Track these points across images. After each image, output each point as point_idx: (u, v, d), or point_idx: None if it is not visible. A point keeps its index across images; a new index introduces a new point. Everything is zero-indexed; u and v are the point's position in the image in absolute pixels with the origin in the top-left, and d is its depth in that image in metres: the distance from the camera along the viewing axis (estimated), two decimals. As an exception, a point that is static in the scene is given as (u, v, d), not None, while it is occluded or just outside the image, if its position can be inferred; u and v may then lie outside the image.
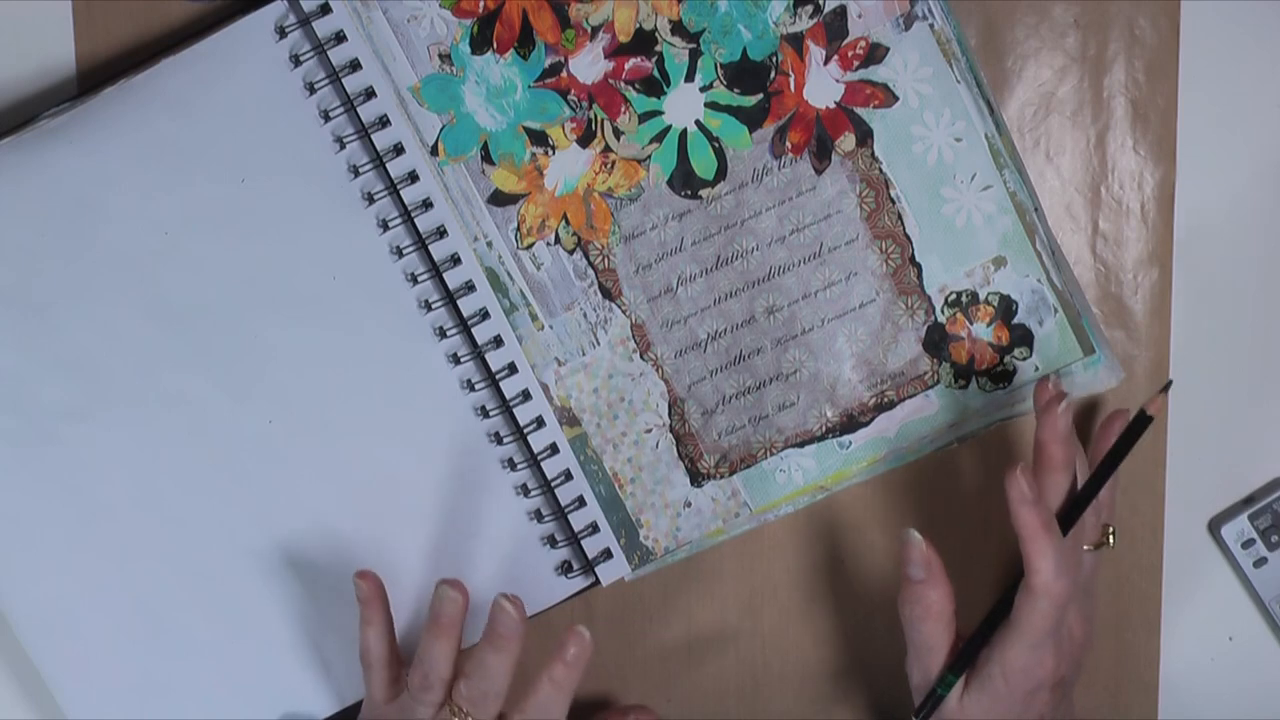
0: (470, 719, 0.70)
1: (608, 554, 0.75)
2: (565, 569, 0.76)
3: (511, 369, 0.74)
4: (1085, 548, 0.69)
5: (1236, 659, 0.78)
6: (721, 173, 0.73)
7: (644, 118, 0.73)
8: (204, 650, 0.75)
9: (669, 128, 0.73)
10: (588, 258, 0.74)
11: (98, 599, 0.75)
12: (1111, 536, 0.70)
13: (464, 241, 0.74)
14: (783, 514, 0.76)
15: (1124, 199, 0.75)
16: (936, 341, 0.74)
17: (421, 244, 0.73)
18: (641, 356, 0.75)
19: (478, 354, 0.74)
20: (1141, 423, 0.67)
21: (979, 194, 0.73)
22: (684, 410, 0.75)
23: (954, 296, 0.74)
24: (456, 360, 0.74)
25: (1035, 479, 0.66)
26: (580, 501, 0.75)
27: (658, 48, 0.73)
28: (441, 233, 0.73)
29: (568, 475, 0.75)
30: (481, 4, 0.72)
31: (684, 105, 0.73)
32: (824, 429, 0.75)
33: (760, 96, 0.73)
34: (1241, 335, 0.76)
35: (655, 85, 0.73)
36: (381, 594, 0.72)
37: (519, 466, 0.75)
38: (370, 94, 0.73)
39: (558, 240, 0.74)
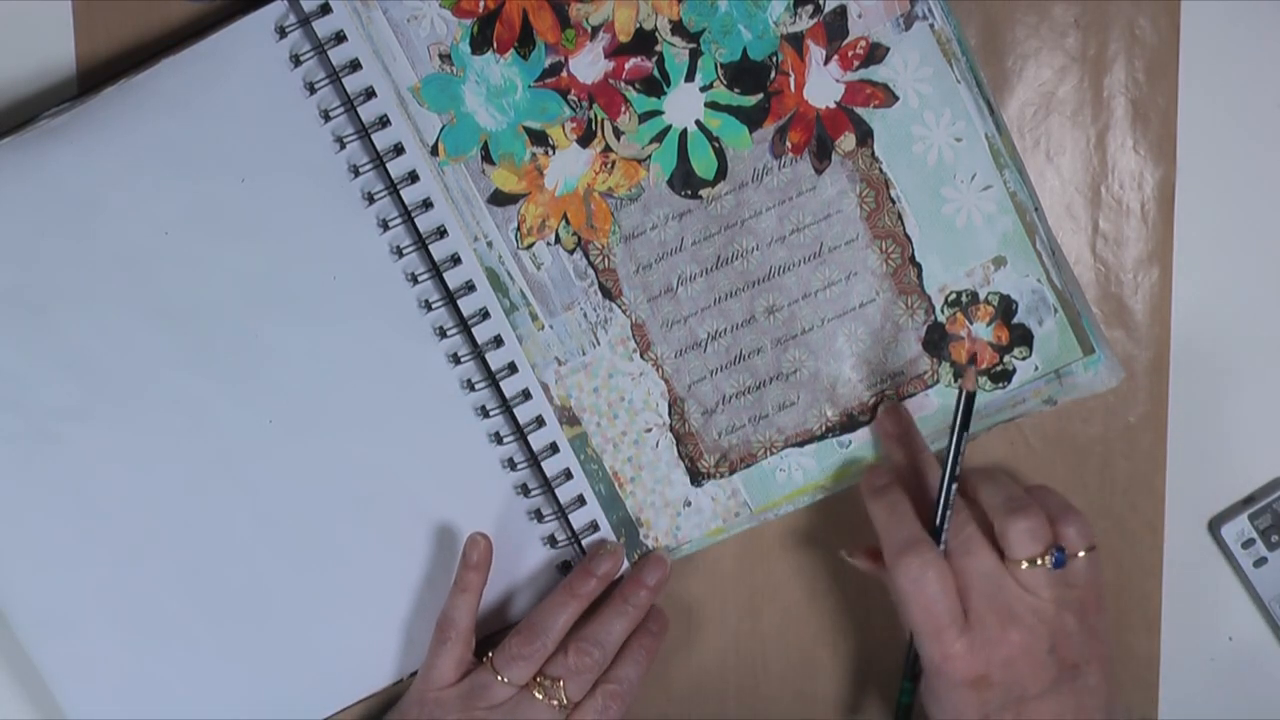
0: (563, 691, 0.71)
1: (608, 554, 0.76)
2: (566, 568, 0.76)
3: (511, 369, 0.74)
4: (1021, 563, 0.67)
5: (1236, 659, 0.78)
6: (721, 173, 0.73)
7: (644, 118, 0.73)
8: (203, 649, 0.75)
9: (669, 127, 0.73)
10: (588, 258, 0.74)
11: (98, 599, 0.75)
12: (1050, 557, 0.67)
13: (464, 241, 0.74)
14: (783, 513, 0.76)
15: (1124, 199, 0.75)
16: (936, 341, 0.74)
17: (421, 244, 0.73)
18: (641, 356, 0.75)
19: (478, 354, 0.74)
20: (969, 402, 0.69)
21: (979, 194, 0.73)
22: (684, 410, 0.75)
23: (954, 296, 0.74)
24: (456, 360, 0.74)
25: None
26: (580, 501, 0.75)
27: (658, 48, 0.73)
28: (441, 233, 0.74)
29: (568, 474, 0.75)
30: (481, 4, 0.72)
31: (684, 105, 0.73)
32: (824, 428, 0.75)
33: (760, 96, 0.73)
34: (1241, 335, 0.76)
35: (655, 85, 0.73)
36: (489, 563, 0.73)
37: (519, 466, 0.75)
38: (370, 94, 0.73)
39: (558, 240, 0.74)
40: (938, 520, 0.68)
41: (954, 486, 0.68)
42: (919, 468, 0.71)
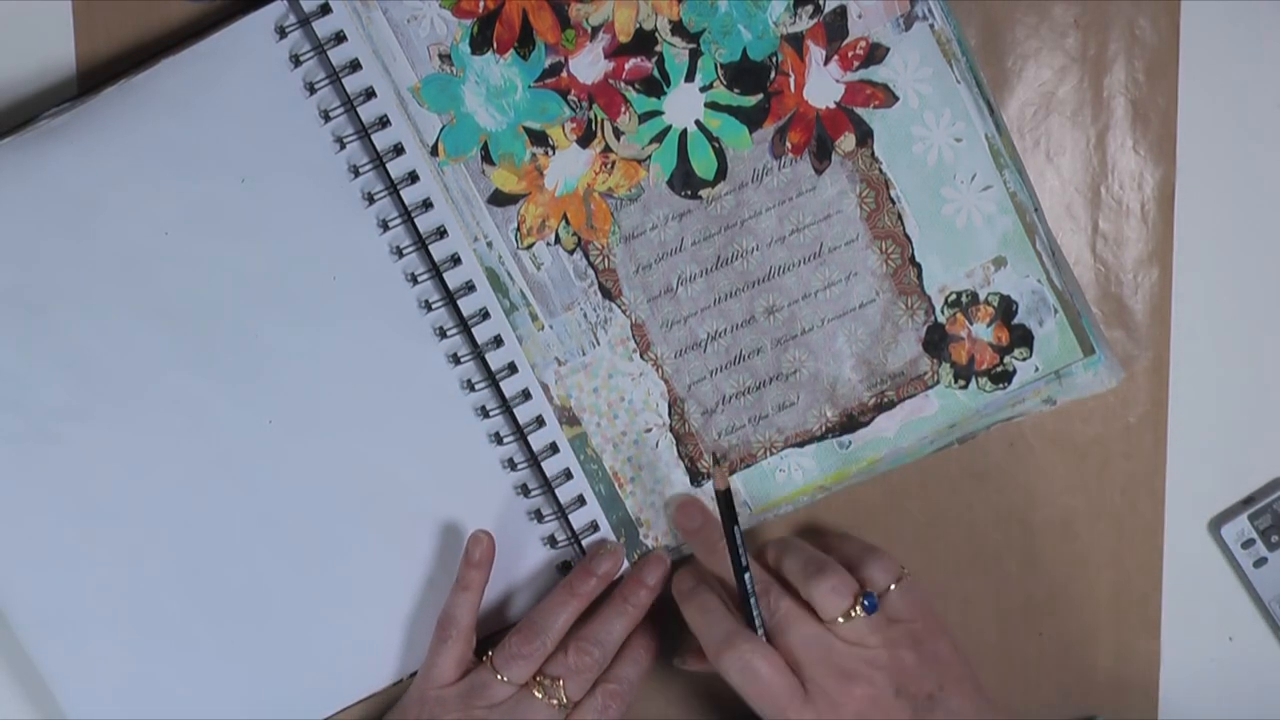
0: (562, 691, 0.71)
1: (608, 554, 0.76)
2: (566, 568, 0.76)
3: (511, 369, 0.74)
4: (837, 620, 0.67)
5: (1236, 659, 0.78)
6: (721, 173, 0.73)
7: (644, 118, 0.73)
8: (203, 649, 0.75)
9: (669, 128, 0.73)
10: (588, 258, 0.74)
11: (98, 599, 0.75)
12: (859, 607, 0.67)
13: (464, 242, 0.74)
14: (782, 514, 0.76)
15: (1124, 199, 0.75)
16: (936, 341, 0.74)
17: (421, 244, 0.73)
18: (641, 356, 0.75)
19: (478, 354, 0.74)
20: (725, 499, 0.69)
21: (979, 194, 0.73)
22: (684, 410, 0.75)
23: (954, 297, 0.74)
24: (456, 360, 0.74)
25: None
26: (580, 501, 0.75)
27: (658, 48, 0.73)
28: (441, 233, 0.73)
29: (568, 475, 0.75)
30: (481, 4, 0.72)
31: (684, 105, 0.73)
32: (824, 429, 0.75)
33: (760, 96, 0.73)
34: (1241, 335, 0.76)
35: (655, 85, 0.73)
36: (491, 561, 0.73)
37: (519, 466, 0.75)
38: (370, 94, 0.73)
39: (558, 240, 0.74)
40: (746, 610, 0.68)
41: (748, 575, 0.68)
42: (724, 559, 0.70)
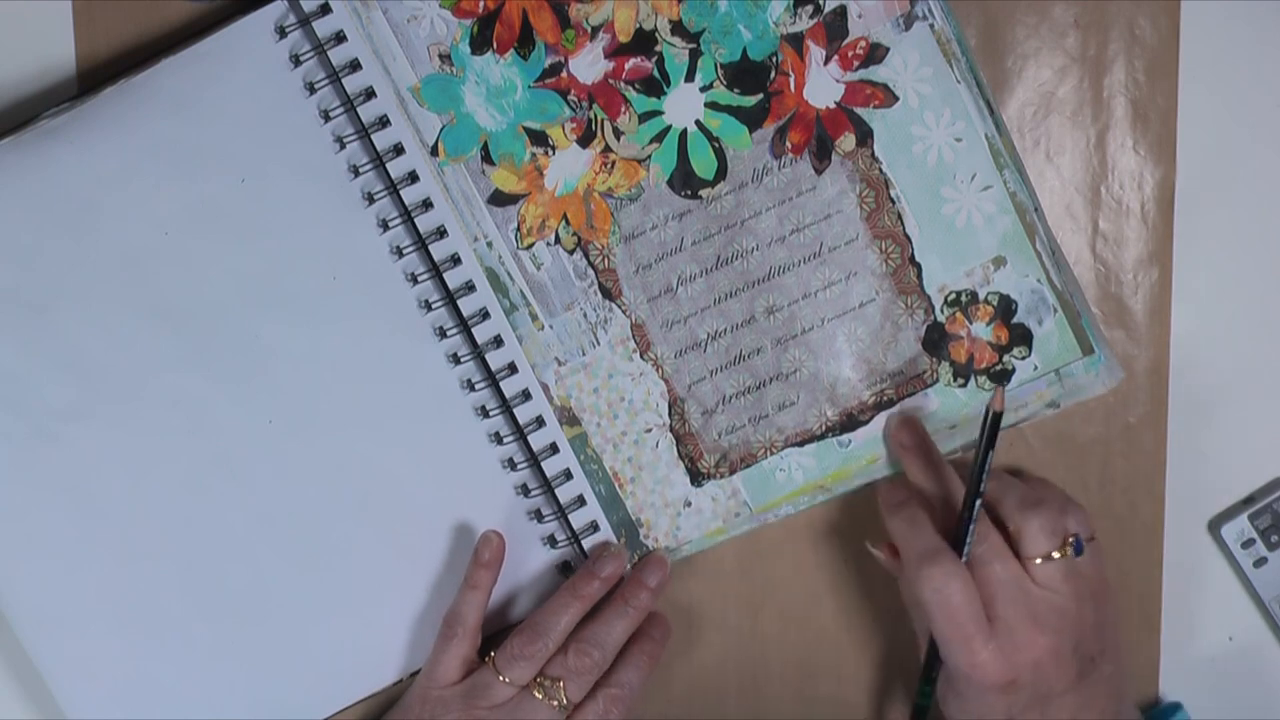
0: (563, 692, 0.71)
1: (608, 554, 0.76)
2: (565, 568, 0.76)
3: (511, 369, 0.74)
4: (1037, 560, 0.67)
5: (1236, 659, 0.78)
6: (721, 173, 0.73)
7: (644, 118, 0.73)
8: (203, 649, 0.75)
9: (669, 128, 0.73)
10: (588, 258, 0.74)
11: (98, 598, 0.75)
12: (1070, 548, 0.68)
13: (464, 241, 0.74)
14: (783, 514, 0.76)
15: (1124, 199, 0.75)
16: (936, 341, 0.74)
17: (421, 244, 0.73)
18: (641, 356, 0.75)
19: (478, 354, 0.74)
20: (996, 421, 0.69)
21: (979, 194, 0.73)
22: (684, 410, 0.75)
23: (953, 296, 0.74)
24: (456, 360, 0.74)
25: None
26: (580, 501, 0.75)
27: (658, 48, 0.73)
28: (441, 233, 0.74)
29: (568, 475, 0.75)
30: (481, 4, 0.72)
31: (684, 105, 0.73)
32: (824, 428, 0.75)
33: (760, 96, 0.73)
34: (1241, 335, 0.76)
35: (655, 85, 0.73)
36: (501, 561, 0.73)
37: (519, 466, 0.75)
38: (370, 94, 0.73)
39: (558, 240, 0.74)
40: (962, 533, 0.68)
41: (978, 502, 0.68)
42: (936, 478, 0.71)
